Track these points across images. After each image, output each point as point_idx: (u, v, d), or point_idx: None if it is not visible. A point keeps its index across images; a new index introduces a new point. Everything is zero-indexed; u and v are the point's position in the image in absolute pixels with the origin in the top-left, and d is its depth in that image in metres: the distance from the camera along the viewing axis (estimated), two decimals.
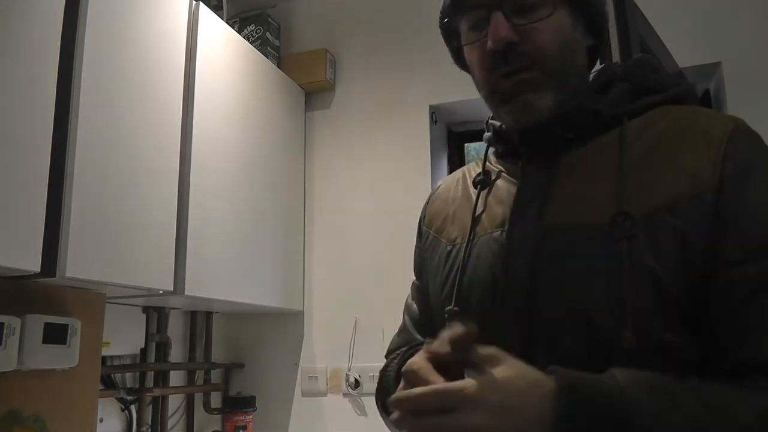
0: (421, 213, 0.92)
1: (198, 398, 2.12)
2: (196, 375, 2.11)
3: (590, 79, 0.78)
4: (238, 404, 2.12)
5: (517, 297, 0.68)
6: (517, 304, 0.68)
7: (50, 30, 1.30)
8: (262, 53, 2.17)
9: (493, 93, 0.75)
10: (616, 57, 1.26)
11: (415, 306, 0.90)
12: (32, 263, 1.22)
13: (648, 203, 0.63)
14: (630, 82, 0.74)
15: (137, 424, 1.83)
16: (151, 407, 1.90)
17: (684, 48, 1.70)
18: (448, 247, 0.80)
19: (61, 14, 1.33)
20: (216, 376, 2.19)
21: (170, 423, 1.98)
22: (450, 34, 0.81)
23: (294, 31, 2.47)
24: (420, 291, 0.90)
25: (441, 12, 0.79)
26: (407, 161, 2.17)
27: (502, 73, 0.72)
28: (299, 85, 2.33)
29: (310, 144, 2.36)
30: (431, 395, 0.54)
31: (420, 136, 2.17)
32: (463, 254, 0.75)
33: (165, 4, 1.65)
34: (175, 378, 2.02)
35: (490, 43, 0.70)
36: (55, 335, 1.37)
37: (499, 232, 0.73)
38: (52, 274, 1.27)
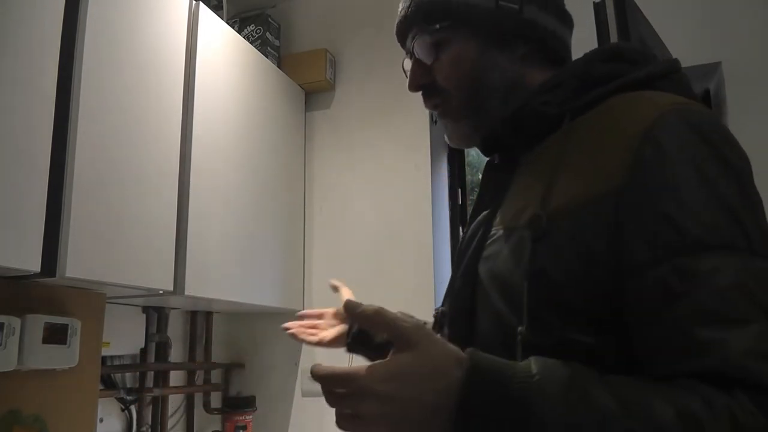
0: None
1: (198, 398, 2.12)
2: (196, 375, 2.11)
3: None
4: (238, 404, 2.12)
5: (464, 298, 0.71)
6: (463, 305, 0.71)
7: (50, 30, 1.30)
8: (262, 53, 2.17)
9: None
10: None
11: None
12: (32, 263, 1.22)
13: (558, 207, 0.61)
14: (578, 76, 0.70)
15: (137, 424, 1.83)
16: (151, 407, 1.90)
17: (684, 48, 1.70)
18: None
19: (61, 14, 1.33)
20: (216, 376, 2.19)
21: (170, 423, 1.98)
22: None
23: (294, 31, 2.47)
24: None
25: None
26: (407, 161, 2.16)
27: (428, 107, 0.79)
28: (299, 85, 2.33)
29: (310, 144, 2.36)
30: (332, 377, 0.53)
31: (420, 136, 2.17)
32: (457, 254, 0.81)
33: (165, 4, 1.65)
34: (175, 378, 2.02)
35: (408, 87, 0.79)
36: (55, 335, 1.37)
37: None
38: (52, 274, 1.27)
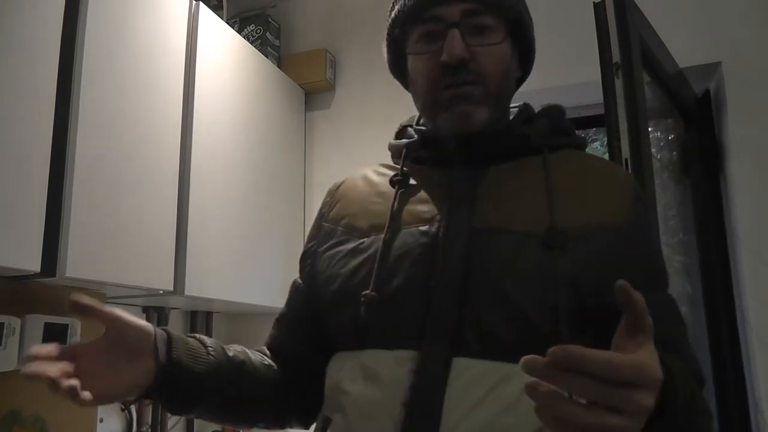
0: (321, 211, 0.94)
1: None
2: None
3: (510, 109, 0.88)
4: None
5: (452, 285, 0.72)
6: (451, 293, 0.72)
7: (50, 30, 1.30)
8: (262, 53, 2.17)
9: (433, 100, 0.81)
10: (616, 57, 1.26)
11: (284, 307, 0.96)
12: (32, 263, 1.22)
13: (575, 223, 0.74)
14: (550, 120, 0.84)
15: (137, 424, 1.83)
16: (151, 407, 1.90)
17: (684, 48, 1.70)
18: (361, 240, 0.82)
19: (61, 14, 1.33)
20: None
21: (170, 423, 1.98)
22: (396, 41, 0.87)
23: (294, 31, 2.47)
24: (299, 291, 0.92)
25: (392, 20, 0.86)
26: None
27: (445, 84, 0.79)
28: (299, 85, 2.33)
29: (310, 144, 2.36)
30: (607, 365, 0.49)
31: None
32: (380, 245, 0.78)
33: (165, 4, 1.65)
34: None
35: (445, 56, 0.77)
36: (55, 335, 1.37)
37: (426, 227, 0.77)
38: (52, 274, 1.27)
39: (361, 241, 0.82)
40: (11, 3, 1.22)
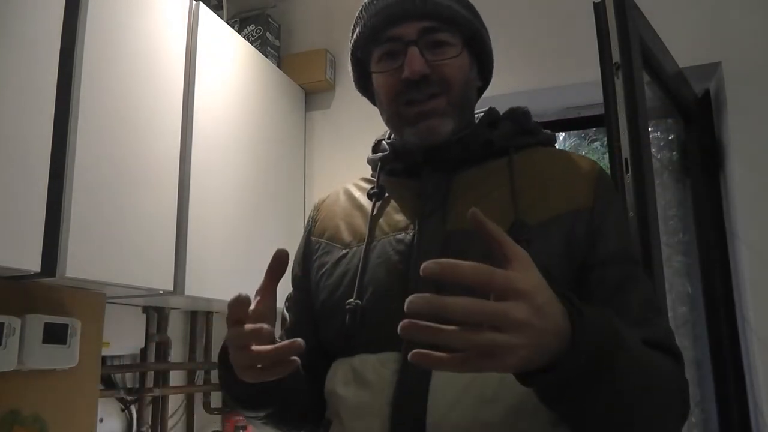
0: (308, 226, 0.98)
1: (198, 398, 2.12)
2: (196, 375, 2.11)
3: (476, 116, 0.92)
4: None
5: (427, 287, 0.71)
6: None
7: (50, 30, 1.30)
8: (262, 53, 2.17)
9: (397, 115, 0.86)
10: (616, 57, 1.26)
11: (287, 314, 0.95)
12: (32, 263, 1.22)
13: (539, 216, 0.78)
14: (514, 122, 0.88)
15: (137, 424, 1.83)
16: (151, 407, 1.90)
17: (684, 48, 1.70)
18: (344, 251, 0.87)
19: (61, 15, 1.33)
20: (216, 376, 2.19)
21: (170, 423, 1.98)
22: (359, 61, 0.94)
23: (294, 31, 2.47)
24: (297, 301, 0.94)
25: (354, 42, 0.92)
26: None
27: (408, 99, 0.83)
28: (299, 85, 2.33)
29: (310, 144, 2.36)
30: (478, 272, 0.50)
31: None
32: (361, 255, 0.83)
33: (165, 4, 1.65)
34: (175, 378, 2.02)
35: (407, 73, 0.81)
36: (55, 335, 1.37)
37: (402, 234, 0.82)
38: (52, 274, 1.27)
39: (344, 252, 0.86)
40: (11, 3, 1.22)
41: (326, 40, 2.38)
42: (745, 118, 1.74)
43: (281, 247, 0.72)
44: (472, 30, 0.87)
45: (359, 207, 0.91)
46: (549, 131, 0.93)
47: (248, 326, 0.65)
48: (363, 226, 0.87)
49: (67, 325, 1.40)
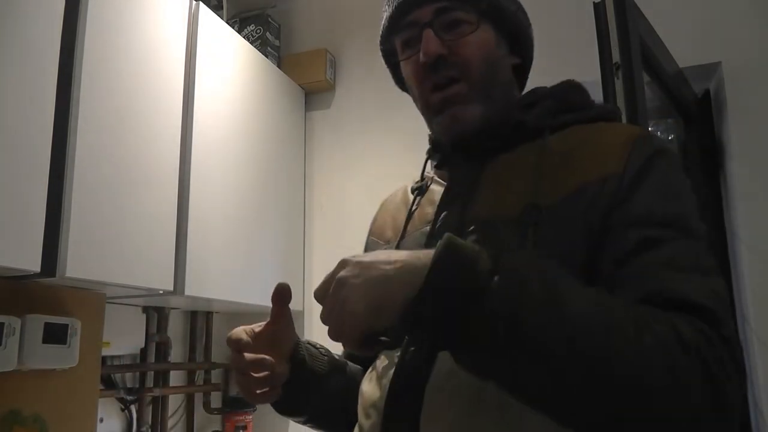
0: (371, 226, 0.99)
1: (198, 398, 2.12)
2: (196, 375, 2.11)
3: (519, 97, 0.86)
4: (238, 404, 2.12)
5: None
6: None
7: (50, 30, 1.30)
8: (262, 53, 2.17)
9: (425, 105, 0.82)
10: (616, 57, 1.26)
11: None
12: (32, 263, 1.22)
13: (555, 196, 0.69)
14: (555, 100, 0.81)
15: (137, 424, 1.83)
16: (151, 407, 1.90)
17: (684, 48, 1.70)
18: (384, 247, 0.87)
19: (61, 15, 1.33)
20: (216, 376, 2.19)
21: (170, 423, 1.98)
22: (388, 53, 0.89)
23: (294, 31, 2.47)
24: None
25: (381, 35, 0.87)
26: (407, 161, 2.15)
27: (431, 85, 0.79)
28: (299, 85, 2.33)
29: (310, 144, 2.36)
30: (323, 285, 0.61)
31: (420, 136, 2.15)
32: (393, 249, 0.82)
33: (165, 5, 1.65)
34: (175, 378, 2.02)
35: (421, 56, 0.77)
36: (55, 335, 1.37)
37: (428, 228, 0.79)
38: (52, 274, 1.27)
39: (384, 248, 0.86)
40: (11, 3, 1.22)
41: (326, 40, 2.38)
42: (745, 118, 1.74)
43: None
44: (491, 3, 0.81)
45: (406, 202, 0.91)
46: (606, 105, 0.83)
47: (249, 356, 0.70)
48: (403, 221, 0.86)
49: (67, 325, 1.40)
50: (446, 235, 0.58)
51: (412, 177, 1.00)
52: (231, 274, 1.83)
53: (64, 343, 1.39)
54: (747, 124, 1.73)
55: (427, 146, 0.97)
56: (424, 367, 0.69)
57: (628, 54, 1.25)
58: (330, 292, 0.59)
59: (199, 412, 2.11)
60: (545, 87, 0.84)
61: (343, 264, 0.60)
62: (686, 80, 1.74)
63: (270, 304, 0.75)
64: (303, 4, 2.48)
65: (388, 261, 0.58)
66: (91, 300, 1.54)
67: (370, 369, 0.80)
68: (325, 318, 0.59)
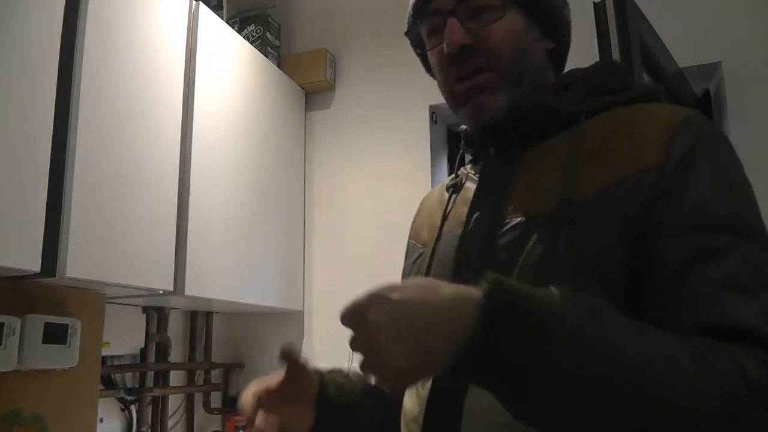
0: (411, 226, 0.95)
1: (198, 398, 2.12)
2: (196, 375, 2.11)
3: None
4: (238, 404, 2.11)
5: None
6: None
7: (50, 30, 1.30)
8: (262, 53, 2.17)
9: (451, 96, 0.78)
10: (616, 56, 1.26)
11: None
12: (32, 263, 1.22)
13: (592, 190, 0.65)
14: (590, 82, 0.75)
15: (137, 424, 1.83)
16: (151, 407, 1.90)
17: (684, 48, 1.70)
18: (420, 250, 0.84)
19: (61, 15, 1.33)
20: (216, 376, 2.19)
21: (170, 423, 1.98)
22: (415, 42, 0.84)
23: (294, 31, 2.47)
24: None
25: (407, 23, 0.83)
26: (407, 161, 2.16)
27: (456, 76, 0.75)
28: (299, 85, 2.33)
29: (310, 144, 2.36)
30: (352, 306, 0.52)
31: (420, 136, 2.17)
32: (429, 253, 0.78)
33: (165, 5, 1.65)
34: (175, 378, 2.02)
35: (445, 47, 0.73)
36: (55, 335, 1.37)
37: (461, 229, 0.75)
38: (52, 274, 1.27)
39: (420, 252, 0.83)
40: (11, 3, 1.22)
41: (326, 40, 2.38)
42: (745, 118, 1.74)
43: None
44: None
45: (441, 201, 0.85)
46: (646, 84, 0.77)
47: (259, 424, 0.70)
48: (438, 222, 0.81)
49: (67, 325, 1.40)
50: (490, 280, 0.52)
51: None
52: (231, 274, 1.83)
53: (64, 343, 1.39)
54: (747, 124, 1.73)
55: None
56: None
57: (628, 54, 1.25)
58: (364, 340, 0.51)
59: (199, 412, 2.11)
60: (580, 68, 0.79)
61: (374, 300, 0.51)
62: (686, 80, 1.74)
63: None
64: (303, 4, 2.48)
65: (428, 303, 0.51)
66: (91, 300, 1.54)
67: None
68: (362, 367, 0.52)
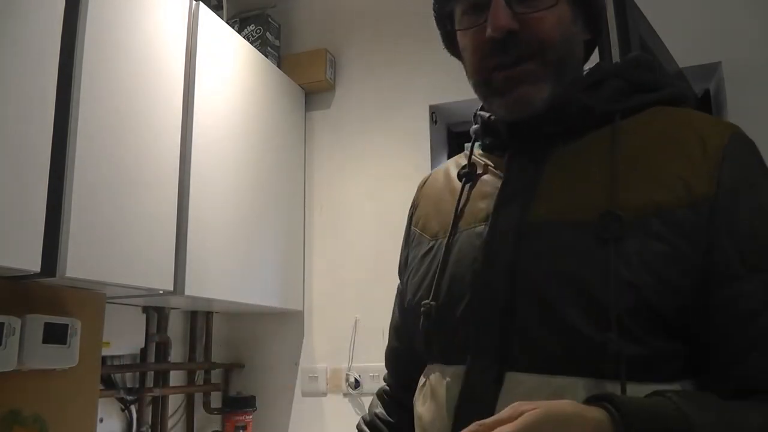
0: (410, 209, 0.90)
1: (198, 398, 2.12)
2: (196, 375, 2.11)
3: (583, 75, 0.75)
4: (238, 404, 2.12)
5: (494, 294, 0.65)
6: (493, 303, 0.65)
7: (50, 30, 1.30)
8: (262, 53, 2.17)
9: (485, 83, 0.71)
10: (616, 56, 1.26)
11: (396, 310, 0.91)
12: (32, 263, 1.22)
13: (637, 205, 0.62)
14: (624, 79, 0.71)
15: (137, 424, 1.83)
16: (151, 407, 1.90)
17: (684, 48, 1.70)
18: (430, 243, 0.78)
19: (61, 15, 1.33)
20: (216, 376, 2.19)
21: (170, 423, 1.98)
22: (443, 17, 0.77)
23: (294, 31, 2.47)
24: (400, 293, 0.89)
25: None
26: (407, 161, 2.16)
27: (496, 64, 0.69)
28: (299, 85, 2.33)
29: (310, 144, 2.36)
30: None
31: (420, 136, 2.17)
32: (444, 249, 0.73)
33: (165, 4, 1.65)
34: (175, 378, 2.02)
35: (489, 31, 0.66)
36: (55, 335, 1.37)
37: (482, 227, 0.70)
38: (52, 274, 1.27)
39: (430, 245, 0.78)
40: (11, 3, 1.22)
41: (326, 40, 2.38)
42: (745, 118, 1.74)
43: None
44: None
45: (451, 190, 0.80)
46: (677, 85, 0.74)
47: None
48: (450, 214, 0.76)
49: (67, 325, 1.40)
50: (618, 416, 0.50)
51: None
52: (231, 274, 1.83)
53: (64, 343, 1.39)
54: (747, 124, 1.72)
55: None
56: (493, 388, 0.63)
57: (628, 54, 1.25)
58: None
59: (199, 412, 2.11)
60: (609, 63, 0.76)
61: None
62: (686, 80, 1.74)
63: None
64: (303, 4, 2.48)
65: None
66: (91, 300, 1.54)
67: (421, 384, 0.75)
68: None
